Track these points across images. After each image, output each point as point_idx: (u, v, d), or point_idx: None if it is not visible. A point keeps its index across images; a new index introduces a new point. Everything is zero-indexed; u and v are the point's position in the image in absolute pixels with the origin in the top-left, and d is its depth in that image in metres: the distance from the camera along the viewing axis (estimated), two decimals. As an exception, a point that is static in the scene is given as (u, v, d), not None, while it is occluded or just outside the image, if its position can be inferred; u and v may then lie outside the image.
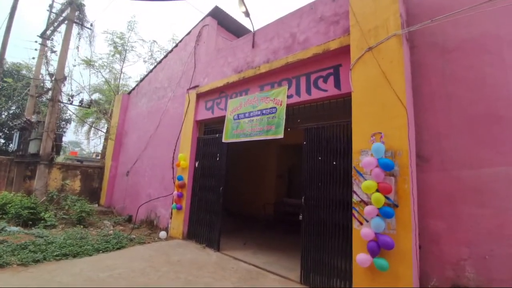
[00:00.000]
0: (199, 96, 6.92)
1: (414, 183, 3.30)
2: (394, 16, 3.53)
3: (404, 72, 3.35)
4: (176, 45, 8.56)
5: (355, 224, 3.45)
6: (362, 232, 3.24)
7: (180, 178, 6.52)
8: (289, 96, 4.85)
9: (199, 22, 7.68)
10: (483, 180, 3.10)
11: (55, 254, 4.53)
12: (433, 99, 3.54)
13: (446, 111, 3.43)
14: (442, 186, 3.31)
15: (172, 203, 6.60)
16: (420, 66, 3.70)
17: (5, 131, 14.23)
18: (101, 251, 5.03)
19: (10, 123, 12.60)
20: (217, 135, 6.19)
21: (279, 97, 4.97)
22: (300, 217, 4.32)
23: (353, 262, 3.37)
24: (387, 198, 3.15)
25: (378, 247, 3.10)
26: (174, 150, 7.17)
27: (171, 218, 6.70)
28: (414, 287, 2.95)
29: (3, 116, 14.21)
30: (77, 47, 10.79)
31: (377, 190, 3.18)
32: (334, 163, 4.04)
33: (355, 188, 3.52)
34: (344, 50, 4.07)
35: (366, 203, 3.33)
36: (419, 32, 3.71)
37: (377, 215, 3.17)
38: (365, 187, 3.26)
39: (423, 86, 3.62)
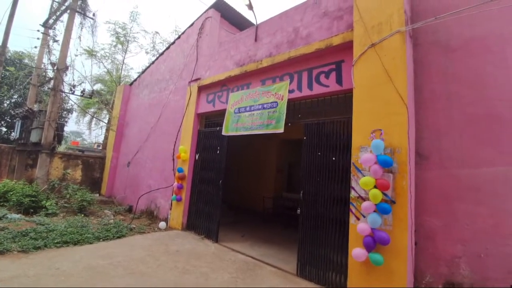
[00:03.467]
0: (201, 89, 6.92)
1: (412, 180, 3.33)
2: (399, 12, 3.51)
3: (406, 70, 3.34)
4: (179, 37, 8.51)
5: (352, 219, 3.49)
6: (359, 227, 3.28)
7: (180, 170, 6.57)
8: (290, 91, 4.85)
9: (202, 14, 7.62)
10: (481, 179, 3.11)
11: (56, 241, 4.61)
12: (434, 97, 3.54)
13: (447, 109, 3.44)
14: (440, 184, 3.34)
15: (172, 195, 6.67)
16: (422, 64, 3.68)
17: (7, 119, 14.29)
18: (101, 240, 5.11)
19: (12, 111, 12.63)
20: (217, 128, 6.20)
21: (281, 91, 4.96)
22: (298, 211, 4.37)
23: (349, 256, 3.42)
24: (384, 194, 3.18)
25: (374, 242, 3.15)
26: (175, 142, 7.20)
27: (171, 209, 6.77)
28: (407, 282, 3.01)
29: (5, 105, 14.25)
30: (79, 37, 10.79)
31: (375, 187, 3.21)
32: (334, 159, 4.06)
33: (353, 184, 3.55)
34: (347, 46, 4.06)
35: (364, 199, 3.36)
36: (423, 30, 3.69)
37: (374, 211, 3.20)
38: (363, 183, 3.29)
39: (425, 84, 3.62)
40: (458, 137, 3.31)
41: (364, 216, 3.33)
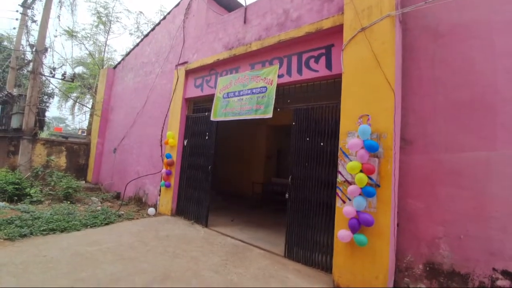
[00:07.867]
0: (188, 73, 6.74)
1: (397, 164, 3.41)
2: (389, -5, 3.46)
3: (395, 55, 3.34)
4: (164, 18, 8.17)
5: (338, 202, 3.58)
6: (345, 210, 3.37)
7: (168, 156, 6.50)
8: (280, 76, 4.79)
9: (188, -7, 7.30)
10: (463, 163, 3.19)
11: (42, 229, 4.54)
12: (421, 83, 3.57)
13: (432, 95, 3.48)
14: (423, 168, 3.43)
15: (161, 181, 6.62)
16: (411, 49, 3.68)
17: (-15, 104, 13.60)
18: (89, 226, 5.06)
19: (-10, 95, 12.03)
20: (206, 114, 6.12)
21: (270, 76, 4.90)
22: (287, 195, 4.44)
23: (335, 237, 3.53)
24: (370, 178, 3.25)
25: (358, 224, 3.25)
26: (162, 127, 7.07)
27: (159, 195, 6.75)
28: (390, 262, 3.15)
29: (-19, 88, 13.50)
30: (58, 16, 10.26)
31: (361, 171, 3.28)
32: (322, 144, 4.10)
33: (340, 168, 3.61)
34: (337, 30, 4.00)
35: (350, 183, 3.44)
36: (412, 15, 3.66)
37: (360, 194, 3.28)
38: (350, 167, 3.34)
39: (412, 69, 3.64)
40: (442, 123, 3.37)
41: (350, 199, 3.42)
